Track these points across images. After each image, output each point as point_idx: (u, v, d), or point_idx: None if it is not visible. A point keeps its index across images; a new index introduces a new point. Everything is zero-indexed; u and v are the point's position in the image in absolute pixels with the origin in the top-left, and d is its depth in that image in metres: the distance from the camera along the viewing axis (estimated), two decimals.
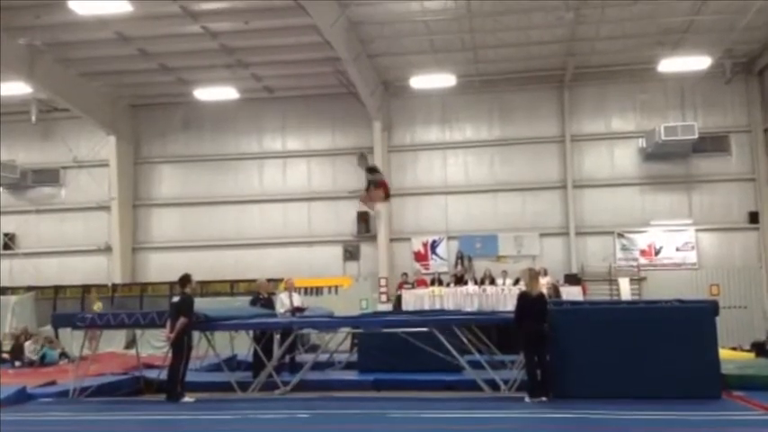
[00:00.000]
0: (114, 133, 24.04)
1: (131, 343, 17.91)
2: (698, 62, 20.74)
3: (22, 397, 10.98)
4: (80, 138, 24.94)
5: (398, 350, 12.17)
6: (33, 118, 23.72)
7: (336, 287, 22.25)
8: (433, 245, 23.11)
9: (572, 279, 21.27)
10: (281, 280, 18.16)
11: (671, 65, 20.85)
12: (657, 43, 20.44)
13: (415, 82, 22.07)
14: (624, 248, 22.39)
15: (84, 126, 24.26)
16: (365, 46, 20.49)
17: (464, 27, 19.44)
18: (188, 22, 18.45)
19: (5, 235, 25.03)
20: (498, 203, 23.08)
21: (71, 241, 24.62)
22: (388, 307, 20.90)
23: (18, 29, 18.36)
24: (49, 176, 25.35)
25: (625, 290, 21.63)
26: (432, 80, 22.09)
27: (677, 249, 22.17)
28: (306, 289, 20.88)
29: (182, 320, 10.75)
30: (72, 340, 16.72)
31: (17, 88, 21.02)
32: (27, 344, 17.40)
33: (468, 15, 18.68)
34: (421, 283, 21.40)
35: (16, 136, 24.77)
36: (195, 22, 18.53)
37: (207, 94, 23.08)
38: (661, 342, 9.78)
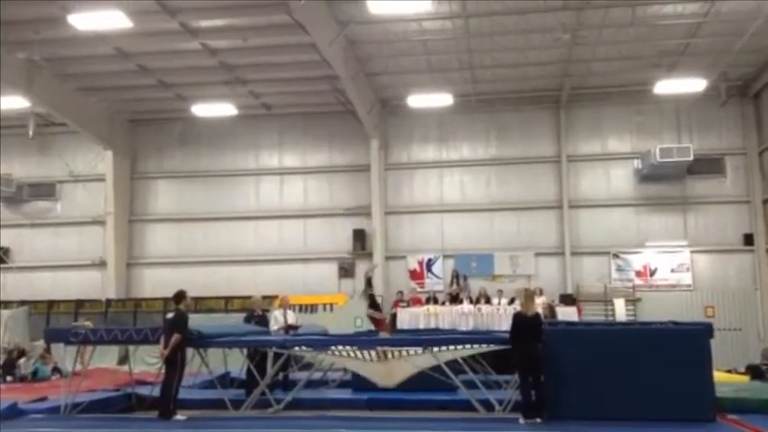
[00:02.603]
0: (111, 148, 24.07)
1: (124, 359, 17.78)
2: (693, 84, 20.94)
3: (13, 412, 10.86)
4: (77, 152, 24.96)
5: None
6: (30, 132, 23.73)
7: (331, 305, 22.17)
8: (429, 263, 23.09)
9: (567, 299, 21.25)
10: (275, 297, 18.12)
11: (667, 87, 21.03)
12: (653, 65, 20.60)
13: (412, 101, 22.19)
14: (619, 269, 22.41)
15: (82, 141, 24.27)
16: (363, 64, 20.61)
17: (461, 47, 19.58)
18: (187, 38, 18.54)
19: (0, 248, 24.95)
20: (494, 223, 23.11)
21: (66, 256, 24.57)
22: None
23: (17, 43, 18.41)
24: (45, 190, 25.35)
25: (620, 311, 21.62)
26: (429, 99, 22.23)
27: (672, 270, 22.20)
28: (301, 306, 20.79)
29: (176, 337, 10.68)
30: (65, 355, 16.61)
31: (15, 102, 21.04)
32: (21, 361, 17.27)
33: (466, 35, 18.82)
34: (416, 301, 21.37)
35: (13, 149, 24.77)
36: (194, 39, 18.63)
37: (205, 110, 23.16)
38: (656, 364, 9.74)
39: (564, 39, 18.45)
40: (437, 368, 11.30)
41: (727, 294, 21.70)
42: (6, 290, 24.23)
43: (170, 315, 11.12)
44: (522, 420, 9.83)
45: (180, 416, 10.72)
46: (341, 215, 23.71)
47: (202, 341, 11.56)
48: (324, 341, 13.23)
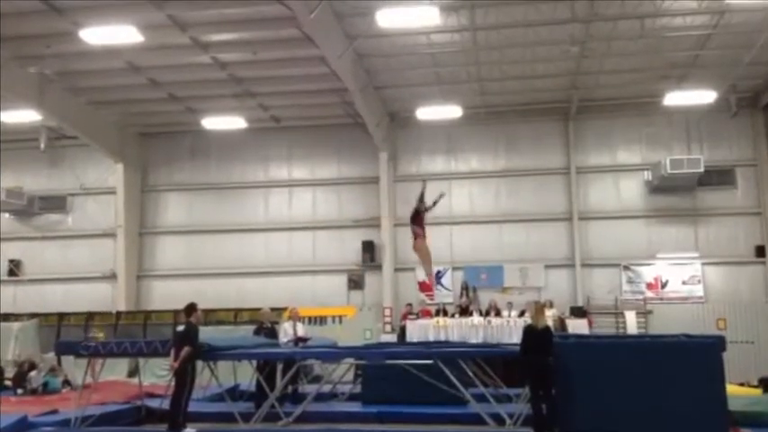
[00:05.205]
0: (122, 161, 24.20)
1: (134, 371, 17.81)
2: (703, 96, 20.85)
3: (23, 426, 10.88)
4: (88, 165, 25.10)
5: (402, 382, 12.07)
6: (42, 145, 23.89)
7: (340, 317, 22.14)
8: (438, 275, 23.02)
9: (577, 311, 21.11)
10: (285, 309, 18.15)
11: (676, 98, 20.97)
12: (663, 77, 20.58)
13: (421, 113, 22.23)
14: (630, 281, 22.28)
15: (92, 154, 24.43)
16: (372, 77, 20.69)
17: (470, 60, 19.63)
18: (198, 52, 18.67)
19: (11, 261, 25.09)
20: (503, 234, 23.06)
21: (76, 268, 24.64)
22: (393, 337, 20.80)
23: (29, 58, 18.59)
24: (55, 203, 25.47)
25: (631, 323, 21.48)
26: (437, 111, 22.26)
27: (683, 283, 22.05)
28: (310, 318, 20.78)
29: (186, 349, 10.68)
30: (75, 368, 16.65)
31: (26, 116, 21.22)
32: (32, 374, 17.30)
33: (474, 48, 18.87)
34: (426, 313, 21.31)
35: (24, 163, 24.97)
36: (205, 53, 18.75)
37: (214, 123, 23.28)
38: (667, 377, 9.67)
39: (572, 51, 18.47)
40: (447, 381, 11.26)
41: (739, 307, 21.49)
42: (17, 302, 24.34)
43: (180, 328, 11.14)
44: None
45: (190, 429, 10.73)
46: (350, 227, 23.73)
47: (212, 354, 11.57)
48: (333, 353, 13.25)
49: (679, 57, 19.55)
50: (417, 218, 13.24)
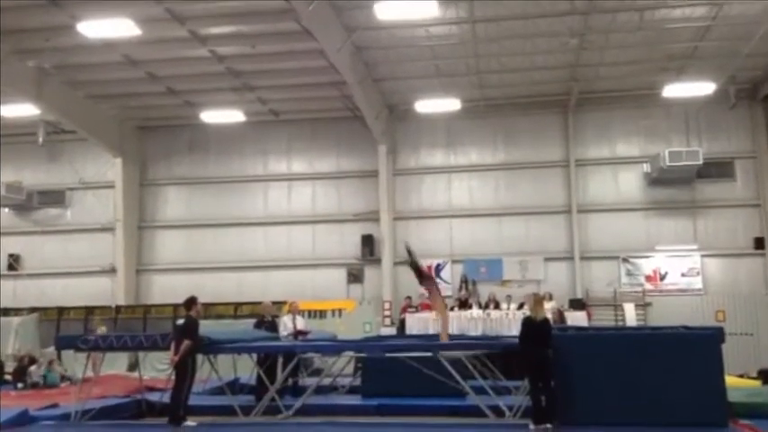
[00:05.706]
0: (121, 155, 24.15)
1: (134, 365, 17.84)
2: (702, 88, 20.84)
3: (23, 419, 10.90)
4: (86, 159, 25.06)
5: (402, 375, 12.09)
6: (40, 139, 23.81)
7: (340, 310, 22.16)
8: (438, 268, 23.04)
9: (577, 304, 21.15)
10: (284, 303, 18.15)
11: (675, 90, 20.95)
12: (661, 69, 20.56)
13: (419, 106, 22.21)
14: (629, 273, 22.30)
15: (91, 148, 24.38)
16: (370, 70, 20.66)
17: (469, 52, 19.58)
18: (196, 45, 18.62)
19: (10, 256, 25.08)
20: (503, 227, 23.05)
21: (76, 263, 24.61)
22: (392, 331, 20.83)
23: (27, 51, 18.56)
24: (54, 198, 25.43)
25: (630, 315, 21.50)
26: (436, 104, 22.24)
27: (682, 275, 22.07)
28: (309, 312, 20.77)
29: (186, 343, 10.69)
30: (75, 362, 16.67)
31: (25, 110, 21.18)
32: (32, 368, 17.34)
33: (473, 40, 18.82)
34: (425, 306, 21.32)
35: (23, 157, 24.92)
36: (203, 46, 18.71)
37: (213, 116, 23.25)
38: (667, 369, 9.69)
39: (571, 43, 18.45)
40: (447, 374, 11.28)
41: (738, 299, 21.51)
42: (17, 297, 24.34)
43: (180, 321, 11.14)
44: (532, 426, 9.80)
45: (190, 422, 10.74)
46: (349, 221, 23.72)
47: (212, 347, 11.58)
48: (333, 347, 13.28)
49: (678, 48, 19.52)
50: (420, 274, 13.15)
